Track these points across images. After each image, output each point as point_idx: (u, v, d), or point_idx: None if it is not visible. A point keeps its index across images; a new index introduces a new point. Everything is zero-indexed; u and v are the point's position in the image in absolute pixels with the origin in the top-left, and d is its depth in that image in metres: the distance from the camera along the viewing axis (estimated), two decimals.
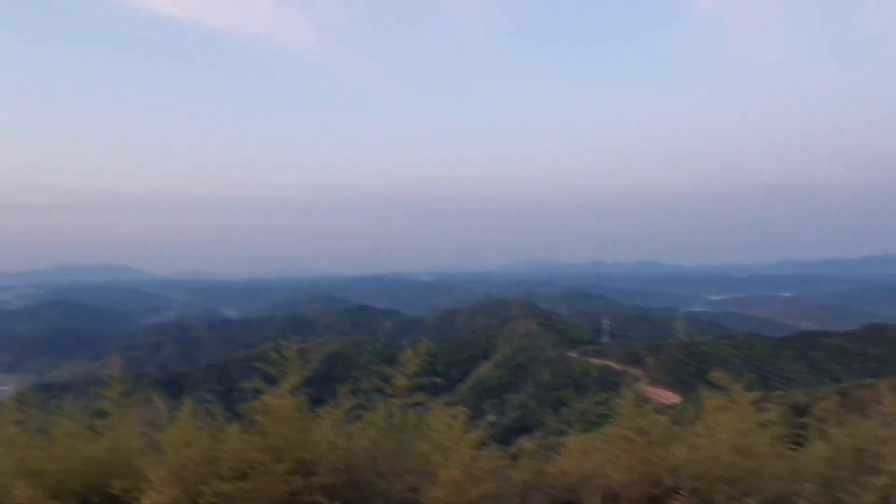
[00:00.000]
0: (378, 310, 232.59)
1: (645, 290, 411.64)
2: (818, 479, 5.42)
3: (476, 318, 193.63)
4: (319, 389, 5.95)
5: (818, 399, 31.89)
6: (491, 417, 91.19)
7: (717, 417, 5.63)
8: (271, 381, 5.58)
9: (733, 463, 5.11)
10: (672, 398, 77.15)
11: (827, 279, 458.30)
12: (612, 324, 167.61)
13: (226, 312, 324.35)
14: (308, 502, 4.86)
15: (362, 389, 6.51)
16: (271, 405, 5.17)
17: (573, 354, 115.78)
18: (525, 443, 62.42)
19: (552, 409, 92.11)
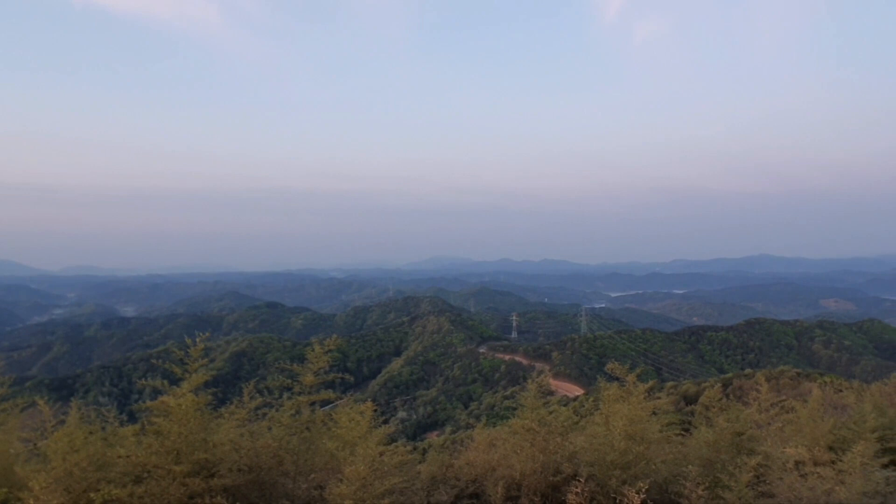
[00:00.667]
0: (288, 307, 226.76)
1: (551, 287, 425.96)
2: (702, 462, 5.87)
3: (387, 315, 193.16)
4: (225, 388, 5.77)
5: (705, 388, 34.32)
6: (402, 413, 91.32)
7: (613, 407, 5.98)
8: (173, 380, 5.36)
9: (626, 449, 5.46)
10: (575, 390, 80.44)
11: (714, 277, 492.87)
12: (520, 320, 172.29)
13: (123, 310, 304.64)
14: None
15: (269, 387, 6.38)
16: (170, 405, 4.96)
17: (482, 350, 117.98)
18: (434, 437, 63.09)
19: (462, 403, 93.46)
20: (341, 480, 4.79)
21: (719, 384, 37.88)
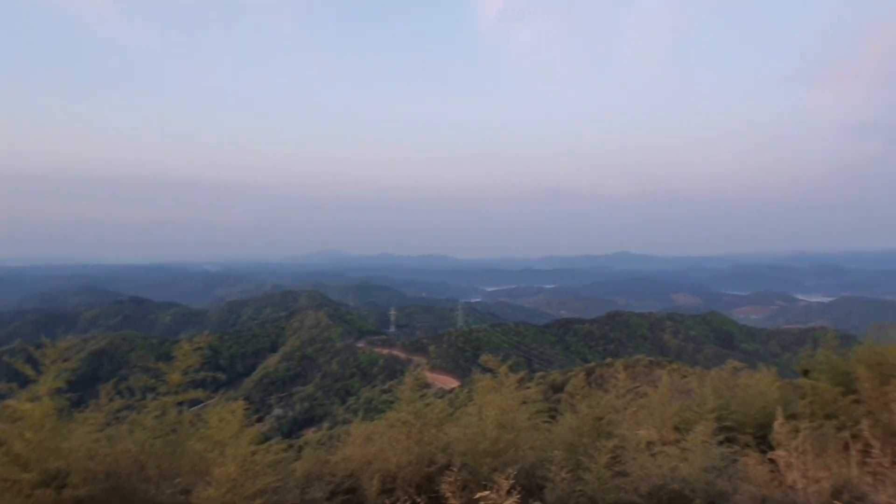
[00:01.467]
0: (155, 302, 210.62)
1: (430, 282, 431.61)
2: (566, 446, 6.25)
3: (263, 310, 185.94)
4: (82, 391, 5.29)
5: (570, 377, 36.47)
6: (277, 411, 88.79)
7: (486, 398, 6.22)
8: (20, 384, 4.83)
9: (497, 437, 5.70)
10: (452, 382, 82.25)
11: (581, 273, 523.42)
12: (398, 314, 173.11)
13: None
14: None
15: (131, 388, 5.94)
16: (23, 410, 4.49)
17: (361, 345, 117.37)
18: (311, 434, 61.88)
19: (340, 399, 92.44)
20: (209, 483, 4.60)
21: (583, 373, 40.47)
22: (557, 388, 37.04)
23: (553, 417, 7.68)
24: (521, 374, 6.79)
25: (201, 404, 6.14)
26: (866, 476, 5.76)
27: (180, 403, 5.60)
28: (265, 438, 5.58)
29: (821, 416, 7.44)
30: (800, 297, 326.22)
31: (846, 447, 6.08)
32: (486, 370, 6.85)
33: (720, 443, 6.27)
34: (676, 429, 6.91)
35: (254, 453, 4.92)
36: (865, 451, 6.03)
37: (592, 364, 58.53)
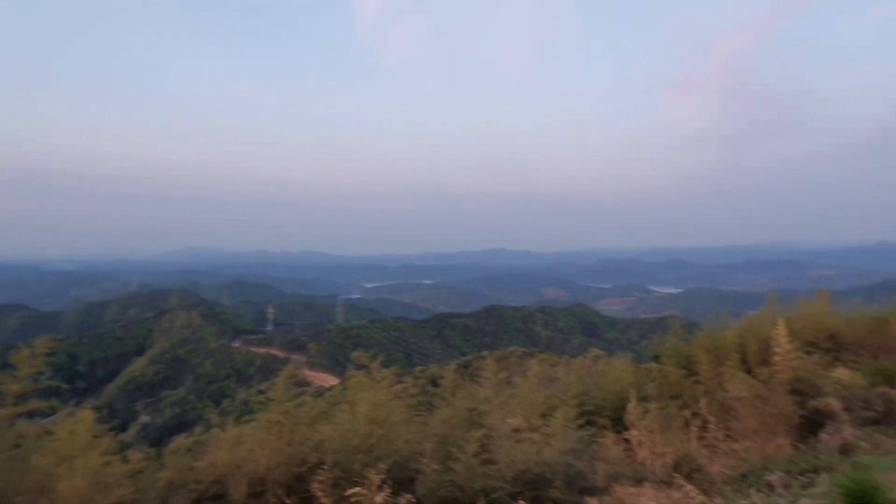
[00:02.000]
0: None
1: (308, 278, 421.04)
2: (437, 438, 6.42)
3: (129, 311, 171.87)
4: None
5: (447, 371, 37.26)
6: (144, 417, 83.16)
7: (359, 394, 6.23)
8: None
9: (369, 433, 5.74)
10: (331, 380, 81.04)
11: (458, 268, 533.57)
12: (276, 312, 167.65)
13: None
14: None
15: None
16: None
17: (236, 344, 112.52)
18: (182, 440, 58.38)
19: (214, 402, 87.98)
20: (54, 500, 4.25)
21: (457, 366, 41.45)
22: (435, 382, 37.72)
23: (430, 411, 7.85)
24: (395, 369, 6.88)
25: (53, 415, 5.64)
26: (703, 449, 6.44)
27: (28, 415, 5.12)
28: (124, 448, 5.24)
29: (667, 396, 8.23)
30: (655, 288, 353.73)
31: (687, 424, 6.76)
32: (361, 366, 6.86)
33: (580, 426, 6.73)
34: (543, 415, 7.32)
35: (106, 465, 4.60)
36: (703, 427, 6.74)
37: (469, 357, 60.11)
